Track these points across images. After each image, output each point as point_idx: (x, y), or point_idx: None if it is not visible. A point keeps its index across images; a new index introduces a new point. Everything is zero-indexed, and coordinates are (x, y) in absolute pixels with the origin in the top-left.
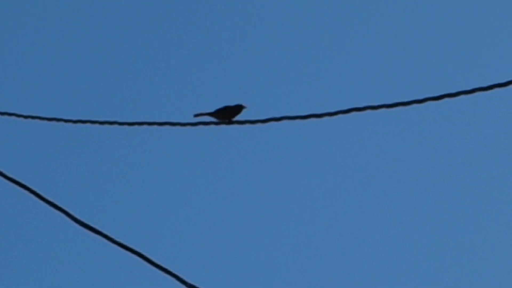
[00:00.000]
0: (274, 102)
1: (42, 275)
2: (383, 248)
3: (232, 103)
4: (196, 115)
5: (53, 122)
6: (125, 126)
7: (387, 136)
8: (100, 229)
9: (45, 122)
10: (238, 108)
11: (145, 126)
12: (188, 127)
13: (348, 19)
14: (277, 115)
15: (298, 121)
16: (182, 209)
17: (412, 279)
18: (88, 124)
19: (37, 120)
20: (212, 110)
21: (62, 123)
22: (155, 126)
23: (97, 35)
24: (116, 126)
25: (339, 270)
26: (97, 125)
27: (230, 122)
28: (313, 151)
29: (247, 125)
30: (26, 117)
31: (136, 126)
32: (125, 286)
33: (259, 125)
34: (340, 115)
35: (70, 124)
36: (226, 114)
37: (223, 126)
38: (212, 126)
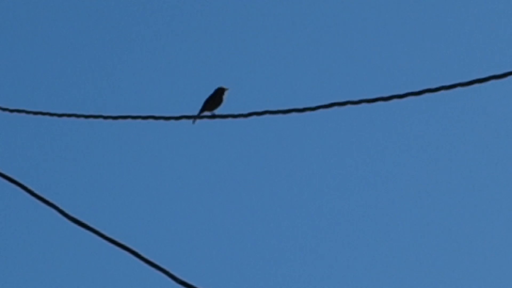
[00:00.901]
0: (256, 96)
1: (34, 270)
2: (362, 236)
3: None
4: (197, 117)
5: (39, 116)
6: (110, 120)
7: (367, 130)
8: (91, 225)
9: (31, 116)
10: (219, 93)
11: (129, 120)
12: (172, 121)
13: (331, 17)
14: (259, 109)
15: (279, 115)
16: (172, 204)
17: (399, 274)
18: (73, 118)
19: (23, 114)
20: (198, 108)
21: (47, 117)
22: (139, 120)
23: (83, 31)
24: (101, 120)
25: (324, 262)
26: (82, 119)
27: (213, 116)
28: (294, 145)
29: (230, 119)
30: (11, 111)
31: (120, 120)
32: (116, 282)
33: (241, 119)
34: (321, 110)
35: (55, 117)
36: (212, 106)
37: (205, 120)
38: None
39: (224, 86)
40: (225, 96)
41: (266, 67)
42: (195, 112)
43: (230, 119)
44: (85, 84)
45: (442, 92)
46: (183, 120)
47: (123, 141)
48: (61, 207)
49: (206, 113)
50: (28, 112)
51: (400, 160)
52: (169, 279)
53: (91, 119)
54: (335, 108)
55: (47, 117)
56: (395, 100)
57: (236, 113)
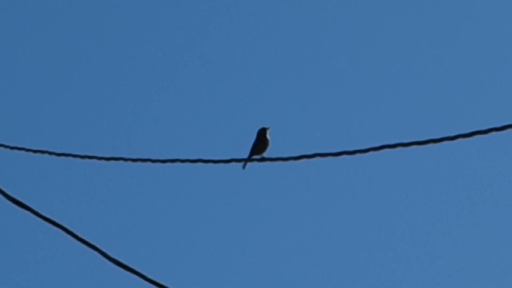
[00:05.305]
0: (306, 139)
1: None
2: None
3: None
4: (247, 161)
5: (86, 160)
6: (158, 164)
7: (418, 173)
8: (137, 269)
9: (78, 159)
10: (262, 134)
11: (178, 163)
12: (221, 164)
13: (379, 60)
14: (309, 152)
15: (330, 158)
16: (222, 248)
17: None
18: (121, 161)
19: (70, 158)
20: (247, 152)
21: (95, 160)
22: (187, 163)
23: (132, 73)
24: (149, 163)
25: None
26: (130, 162)
27: (263, 159)
28: (345, 187)
29: (279, 162)
30: (58, 154)
31: (168, 163)
32: None
33: (291, 162)
34: (371, 152)
35: (103, 161)
36: (260, 149)
37: (255, 163)
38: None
39: (265, 126)
40: (269, 136)
41: (315, 110)
42: (243, 155)
43: (280, 162)
44: (132, 127)
45: (493, 133)
46: (233, 164)
47: (172, 185)
48: (105, 250)
49: (256, 156)
50: (75, 156)
51: (455, 200)
52: None
53: (139, 163)
54: (386, 150)
55: (95, 160)
56: (445, 142)
57: (286, 156)
